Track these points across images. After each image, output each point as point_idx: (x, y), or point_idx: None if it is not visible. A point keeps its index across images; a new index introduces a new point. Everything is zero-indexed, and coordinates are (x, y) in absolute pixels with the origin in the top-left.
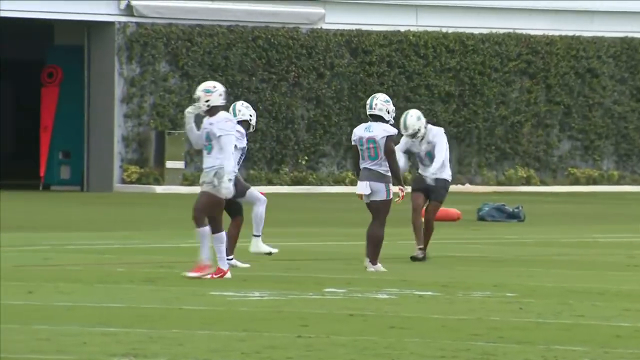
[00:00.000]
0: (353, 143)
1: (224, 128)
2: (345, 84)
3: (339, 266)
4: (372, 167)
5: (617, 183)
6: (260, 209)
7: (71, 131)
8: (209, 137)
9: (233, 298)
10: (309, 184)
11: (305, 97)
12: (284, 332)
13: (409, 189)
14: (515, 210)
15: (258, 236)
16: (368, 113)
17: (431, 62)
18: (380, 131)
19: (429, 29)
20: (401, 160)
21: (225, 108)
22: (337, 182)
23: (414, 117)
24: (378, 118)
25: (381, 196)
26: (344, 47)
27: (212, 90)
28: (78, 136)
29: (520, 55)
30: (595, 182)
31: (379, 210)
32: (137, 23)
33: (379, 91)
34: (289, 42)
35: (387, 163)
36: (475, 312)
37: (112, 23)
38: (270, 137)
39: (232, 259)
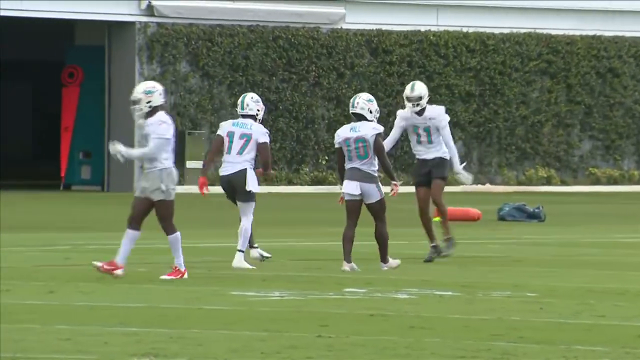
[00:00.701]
0: (337, 145)
1: (155, 131)
2: (366, 83)
3: (359, 266)
4: (362, 167)
5: (638, 183)
6: (247, 224)
7: (92, 131)
8: (147, 138)
9: (253, 298)
10: (329, 183)
11: (326, 97)
12: (304, 332)
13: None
14: (536, 210)
15: (242, 252)
16: (350, 112)
17: (452, 62)
18: (369, 129)
19: (450, 29)
20: (389, 141)
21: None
22: None
23: (422, 84)
24: (361, 117)
25: (375, 197)
26: (364, 46)
27: (152, 91)
28: (98, 136)
29: (541, 55)
30: (616, 182)
31: (376, 211)
32: (157, 23)
33: (399, 92)
34: (310, 42)
35: (375, 162)
36: (496, 312)
37: (132, 23)
38: (290, 137)
39: (257, 246)
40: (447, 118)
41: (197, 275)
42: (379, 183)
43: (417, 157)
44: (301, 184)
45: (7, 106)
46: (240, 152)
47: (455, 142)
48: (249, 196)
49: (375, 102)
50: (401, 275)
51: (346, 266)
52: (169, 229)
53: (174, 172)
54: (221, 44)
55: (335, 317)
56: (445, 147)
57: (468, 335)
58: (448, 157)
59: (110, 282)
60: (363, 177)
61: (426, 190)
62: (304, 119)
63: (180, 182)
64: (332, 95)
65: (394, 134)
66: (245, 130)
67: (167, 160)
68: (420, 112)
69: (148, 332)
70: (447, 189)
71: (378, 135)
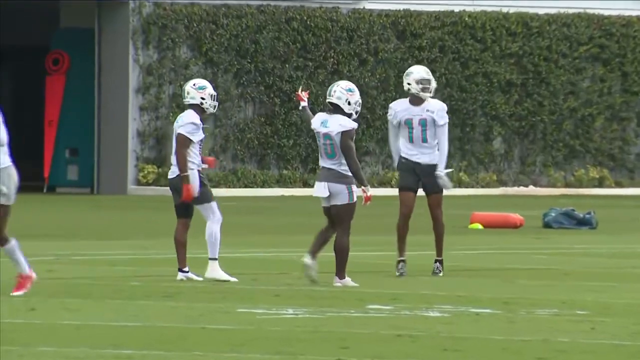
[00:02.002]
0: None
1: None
2: (392, 71)
3: (384, 279)
4: (332, 167)
5: None
6: (215, 228)
7: (79, 126)
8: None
9: (263, 316)
10: None
11: None
12: (322, 355)
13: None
14: (587, 216)
15: (215, 259)
16: (327, 101)
17: (490, 47)
18: (335, 126)
19: (487, 9)
20: (394, 144)
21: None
22: (383, 184)
23: (425, 68)
24: (337, 108)
25: (342, 199)
26: (390, 29)
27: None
28: (87, 131)
29: (592, 39)
30: None
31: (339, 215)
32: (154, 2)
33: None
34: (327, 24)
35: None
36: (541, 332)
37: (126, 3)
38: (305, 133)
39: (187, 272)
40: (447, 119)
41: (200, 290)
42: (353, 186)
43: (406, 157)
44: None
45: None
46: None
47: (494, 138)
48: (199, 199)
49: (357, 93)
50: (433, 290)
51: (337, 282)
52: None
53: (14, 172)
54: (227, 26)
55: (357, 338)
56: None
57: (509, 359)
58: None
59: (100, 298)
60: (332, 176)
61: (413, 197)
62: (321, 112)
63: None
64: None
65: (395, 132)
66: (175, 125)
67: (4, 156)
68: (419, 102)
69: (144, 355)
70: (486, 191)
71: (345, 133)
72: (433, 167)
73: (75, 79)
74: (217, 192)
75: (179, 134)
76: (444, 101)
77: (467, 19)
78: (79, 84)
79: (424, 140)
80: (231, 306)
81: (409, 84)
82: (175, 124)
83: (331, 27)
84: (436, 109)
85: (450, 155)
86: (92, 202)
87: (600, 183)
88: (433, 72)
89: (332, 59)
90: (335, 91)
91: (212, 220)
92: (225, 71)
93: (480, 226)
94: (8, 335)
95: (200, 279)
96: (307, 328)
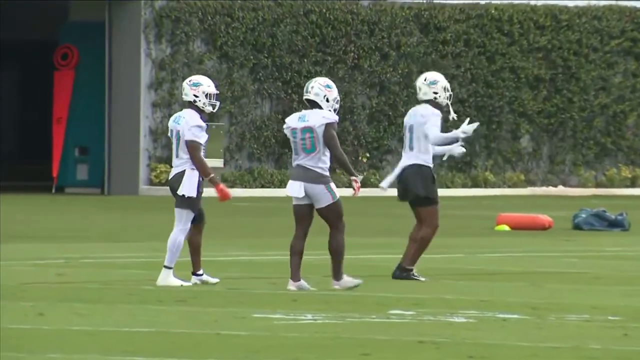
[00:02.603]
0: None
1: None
2: (414, 66)
3: (406, 283)
4: (308, 164)
5: None
6: (179, 238)
7: (89, 123)
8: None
9: (281, 322)
10: (372, 185)
11: (367, 82)
12: None
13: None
14: (618, 217)
15: (170, 268)
16: (304, 98)
17: (517, 41)
18: (318, 118)
19: (515, 1)
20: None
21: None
22: None
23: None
24: (315, 105)
25: (325, 201)
26: (413, 22)
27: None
28: (97, 129)
29: (624, 32)
30: None
31: (328, 218)
32: None
33: (454, 76)
34: (348, 17)
35: (326, 158)
36: (571, 339)
37: None
38: None
39: (202, 274)
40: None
41: (215, 294)
42: (331, 184)
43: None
44: (337, 186)
45: None
46: (177, 154)
47: (522, 136)
48: (183, 202)
49: (335, 90)
50: (457, 295)
51: (292, 285)
52: None
53: None
54: (242, 19)
55: (378, 345)
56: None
57: None
58: (428, 165)
59: (111, 303)
60: (309, 177)
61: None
62: (341, 109)
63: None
64: (375, 81)
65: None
66: (173, 124)
67: None
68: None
69: None
70: (513, 191)
71: (329, 125)
72: (414, 166)
73: (84, 75)
74: (232, 192)
75: (189, 141)
76: (469, 97)
77: (493, 11)
78: (88, 80)
79: (410, 148)
80: (247, 311)
81: (436, 92)
82: (171, 122)
83: (351, 20)
84: (425, 116)
85: (475, 154)
86: (103, 202)
87: (633, 183)
88: (458, 67)
89: (352, 54)
90: (312, 87)
91: (180, 230)
92: (241, 66)
93: (507, 228)
94: (15, 341)
95: (216, 280)
96: (326, 334)
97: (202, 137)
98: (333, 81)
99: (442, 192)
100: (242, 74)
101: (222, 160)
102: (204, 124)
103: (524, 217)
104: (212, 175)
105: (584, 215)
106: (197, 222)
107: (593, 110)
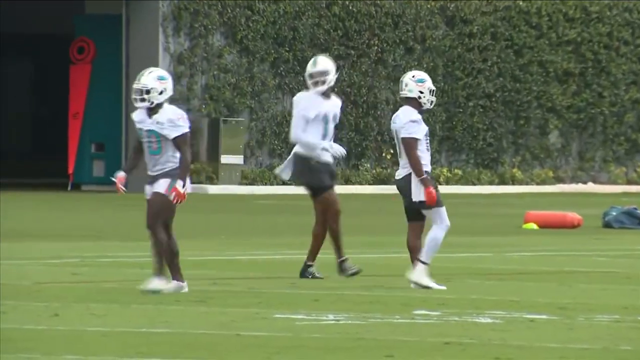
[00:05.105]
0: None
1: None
2: (440, 60)
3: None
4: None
5: None
6: (440, 234)
7: (106, 119)
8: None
9: (302, 322)
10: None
11: (391, 76)
12: None
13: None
14: None
15: (425, 263)
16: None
17: (545, 34)
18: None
19: None
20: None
21: None
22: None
23: (326, 58)
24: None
25: (161, 188)
26: (438, 15)
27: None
28: (114, 125)
29: None
30: None
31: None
32: None
33: (480, 70)
34: (371, 10)
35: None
36: (601, 340)
37: None
38: (347, 126)
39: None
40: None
41: (235, 294)
42: (175, 179)
43: (320, 156)
44: (361, 183)
45: (3, 88)
46: (400, 154)
47: (550, 132)
48: (424, 205)
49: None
50: (483, 295)
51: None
52: None
53: None
54: (263, 12)
55: (402, 346)
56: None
57: None
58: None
59: (127, 303)
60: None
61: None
62: (365, 104)
63: (214, 181)
64: (399, 75)
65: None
66: (395, 126)
67: None
68: (326, 94)
69: None
70: (541, 189)
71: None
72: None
73: (101, 69)
74: (253, 189)
75: (404, 138)
76: (496, 92)
77: (521, 3)
78: (105, 74)
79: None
80: (268, 311)
81: (421, 92)
82: (391, 124)
83: (375, 13)
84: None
85: (502, 150)
86: (120, 200)
87: None
88: (485, 60)
89: (375, 47)
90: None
91: (441, 227)
92: (262, 60)
93: (535, 226)
94: (29, 342)
95: (443, 287)
96: (349, 335)
97: (419, 132)
98: (355, 76)
99: (468, 189)
100: (262, 68)
101: (242, 156)
102: (419, 118)
103: (552, 215)
104: (424, 176)
105: (614, 213)
106: (415, 221)
107: (624, 105)
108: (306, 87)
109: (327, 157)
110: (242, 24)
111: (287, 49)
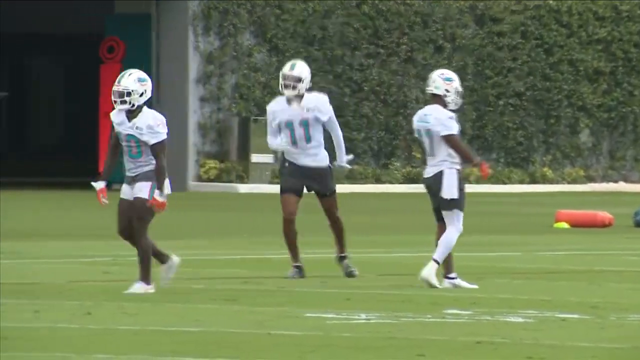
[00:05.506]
0: None
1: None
2: (470, 59)
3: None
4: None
5: None
6: (454, 238)
7: None
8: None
9: (333, 321)
10: None
11: (420, 75)
12: None
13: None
14: None
15: (437, 263)
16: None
17: (576, 32)
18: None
19: None
20: (275, 139)
21: None
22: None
23: (304, 64)
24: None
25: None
26: (468, 14)
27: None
28: None
29: None
30: None
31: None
32: None
33: (510, 69)
34: (401, 9)
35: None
36: (633, 339)
37: None
38: (377, 125)
39: (455, 277)
40: (331, 109)
41: (265, 293)
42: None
43: (290, 160)
44: (391, 182)
45: (35, 87)
46: (431, 153)
47: (581, 131)
48: (449, 204)
49: (149, 82)
50: (514, 294)
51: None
52: None
53: None
54: (293, 11)
55: (433, 345)
56: (325, 152)
57: None
58: (329, 162)
59: (159, 302)
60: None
61: (296, 200)
62: (394, 103)
63: (244, 180)
64: (428, 74)
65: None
66: (420, 124)
67: None
68: (294, 99)
69: None
70: (572, 188)
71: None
72: (322, 169)
73: (130, 68)
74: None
75: (446, 135)
76: (526, 90)
77: (551, 2)
78: None
79: (308, 140)
80: (299, 311)
81: (447, 90)
82: (417, 122)
83: (404, 12)
84: (322, 105)
85: (533, 149)
86: None
87: None
88: (515, 59)
89: (405, 46)
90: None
91: (456, 230)
92: (291, 58)
93: (566, 225)
94: (61, 342)
95: (474, 287)
96: (380, 334)
97: (456, 127)
98: (385, 74)
99: (498, 188)
100: None
101: (272, 155)
102: (452, 114)
103: (583, 214)
104: (476, 160)
105: None
106: (444, 221)
107: None
108: (336, 86)
109: (302, 162)
110: (271, 23)
111: (317, 47)
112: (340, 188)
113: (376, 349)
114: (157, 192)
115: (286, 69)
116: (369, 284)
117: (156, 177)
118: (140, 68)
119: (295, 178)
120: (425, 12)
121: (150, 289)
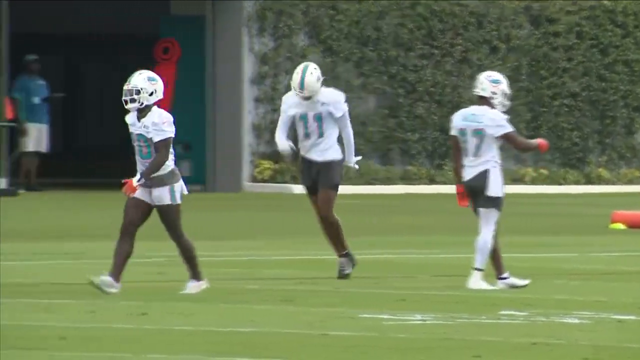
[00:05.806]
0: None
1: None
2: (525, 59)
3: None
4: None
5: None
6: (489, 240)
7: (191, 118)
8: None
9: (389, 322)
10: None
11: (475, 76)
12: None
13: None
14: None
15: (480, 270)
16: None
17: (632, 32)
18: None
19: None
20: (282, 138)
21: None
22: (516, 181)
23: (313, 76)
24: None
25: (165, 200)
26: (523, 14)
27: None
28: (200, 124)
29: None
30: None
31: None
32: None
33: (565, 69)
34: (455, 9)
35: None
36: None
37: None
38: (432, 126)
39: (507, 277)
40: (346, 107)
41: (320, 293)
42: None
43: (302, 155)
44: (445, 183)
45: (90, 88)
46: (475, 153)
47: (637, 131)
48: (489, 202)
49: (159, 82)
50: (569, 295)
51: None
52: None
53: None
54: (347, 11)
55: (489, 346)
56: (337, 147)
57: None
58: (339, 157)
59: (214, 302)
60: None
61: (316, 199)
62: (449, 103)
63: (298, 181)
64: None
65: (282, 136)
66: (473, 124)
67: None
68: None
69: None
70: (628, 188)
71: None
72: (328, 162)
73: (185, 69)
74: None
75: (505, 134)
76: (582, 91)
77: (606, 2)
78: (189, 74)
79: (321, 132)
80: (354, 311)
81: (494, 93)
82: (462, 121)
83: (459, 12)
84: (336, 103)
85: (588, 149)
86: (205, 199)
87: None
88: (570, 60)
89: (460, 47)
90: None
91: (490, 231)
92: (346, 60)
93: (622, 226)
94: (118, 343)
95: (527, 282)
96: (436, 335)
97: (509, 125)
98: (439, 75)
99: (554, 189)
100: (346, 68)
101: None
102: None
103: (639, 215)
104: (535, 142)
105: None
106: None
107: None
108: (391, 87)
109: (311, 156)
110: (325, 24)
111: (371, 48)
112: (394, 189)
113: (431, 350)
114: (137, 177)
115: (298, 77)
116: (424, 285)
117: (150, 165)
118: (195, 69)
119: (307, 175)
120: (480, 13)
121: (203, 284)
